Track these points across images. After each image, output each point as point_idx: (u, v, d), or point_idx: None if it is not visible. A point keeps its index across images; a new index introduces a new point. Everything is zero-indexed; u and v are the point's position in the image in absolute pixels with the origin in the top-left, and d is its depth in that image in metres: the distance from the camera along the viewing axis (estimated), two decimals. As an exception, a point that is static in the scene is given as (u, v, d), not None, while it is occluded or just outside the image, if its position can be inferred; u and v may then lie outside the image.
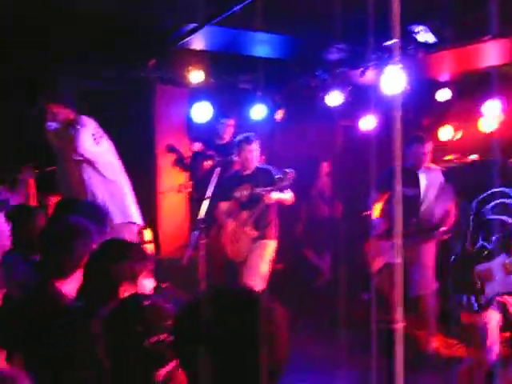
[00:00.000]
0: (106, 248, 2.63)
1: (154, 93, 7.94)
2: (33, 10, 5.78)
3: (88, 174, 5.17)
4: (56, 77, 7.68)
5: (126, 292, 2.39)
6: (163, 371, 1.95)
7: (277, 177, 6.12)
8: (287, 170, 6.09)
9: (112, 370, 1.92)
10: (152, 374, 1.93)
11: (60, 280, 2.82)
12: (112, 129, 7.12)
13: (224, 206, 6.47)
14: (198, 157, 7.87)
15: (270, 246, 6.31)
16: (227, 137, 7.78)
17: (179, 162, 8.03)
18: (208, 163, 7.54)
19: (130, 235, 5.03)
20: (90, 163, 5.17)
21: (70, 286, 2.82)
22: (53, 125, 5.27)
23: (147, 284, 2.51)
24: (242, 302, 1.62)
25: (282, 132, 8.73)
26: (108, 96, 8.00)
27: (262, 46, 6.91)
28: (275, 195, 6.15)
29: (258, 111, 8.03)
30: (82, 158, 5.15)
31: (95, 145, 5.13)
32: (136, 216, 5.32)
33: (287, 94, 8.38)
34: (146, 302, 2.02)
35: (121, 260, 2.48)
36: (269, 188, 6.11)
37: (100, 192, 5.18)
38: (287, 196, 6.25)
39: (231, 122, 7.88)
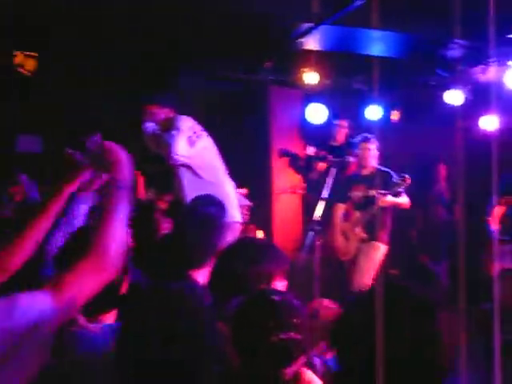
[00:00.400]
0: (242, 249, 2.57)
1: (269, 94, 7.94)
2: (148, 11, 5.93)
3: (187, 177, 5.12)
4: (169, 77, 7.90)
5: None
6: (291, 370, 1.89)
7: (394, 181, 6.00)
8: (404, 176, 5.98)
9: (240, 366, 1.89)
10: (280, 371, 1.87)
11: (194, 271, 2.82)
12: (227, 130, 7.25)
13: (340, 207, 6.43)
14: (312, 158, 7.81)
15: (380, 249, 6.21)
16: (341, 138, 7.69)
17: (293, 163, 8.01)
18: (322, 165, 7.47)
19: (233, 234, 4.97)
20: (187, 167, 5.15)
21: (201, 278, 2.82)
22: (149, 127, 5.25)
23: (280, 286, 2.43)
24: (420, 304, 1.70)
25: (398, 133, 8.50)
26: (223, 97, 8.11)
27: (378, 44, 6.75)
28: (390, 199, 6.03)
29: (372, 112, 7.88)
30: (177, 163, 5.13)
31: (190, 147, 5.04)
32: (238, 215, 5.20)
33: (403, 94, 8.16)
34: (277, 298, 1.97)
35: (259, 262, 2.42)
36: (383, 191, 6.00)
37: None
38: (403, 200, 6.12)
39: (345, 123, 7.76)
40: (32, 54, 7.42)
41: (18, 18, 6.35)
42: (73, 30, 6.64)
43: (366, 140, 6.38)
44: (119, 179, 1.94)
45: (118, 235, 1.85)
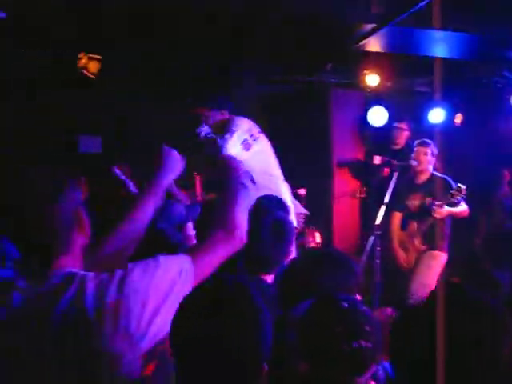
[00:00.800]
0: (316, 259, 2.53)
1: (330, 96, 7.87)
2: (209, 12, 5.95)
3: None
4: (231, 80, 7.94)
5: None
6: (363, 379, 1.85)
7: (451, 192, 5.84)
8: (460, 186, 5.81)
9: (309, 372, 1.84)
10: (352, 379, 1.83)
11: (265, 275, 2.82)
12: (287, 132, 7.22)
13: (397, 216, 6.36)
14: (378, 166, 7.65)
15: (440, 258, 6.08)
16: (401, 141, 7.55)
17: (354, 166, 7.93)
18: (387, 170, 7.35)
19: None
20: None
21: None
22: (203, 130, 5.18)
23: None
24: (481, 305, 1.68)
25: (462, 137, 8.32)
26: (284, 100, 8.09)
27: (441, 45, 6.62)
28: (446, 210, 5.87)
29: (435, 115, 7.68)
30: None
31: (245, 151, 4.92)
32: (294, 221, 5.06)
33: (467, 96, 7.97)
34: (346, 304, 1.91)
35: (335, 274, 2.39)
36: (439, 202, 5.84)
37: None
38: (460, 209, 5.95)
39: (405, 125, 7.61)
40: (96, 56, 7.55)
41: (83, 21, 6.49)
42: (134, 32, 6.73)
43: (423, 144, 6.24)
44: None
45: (242, 215, 2.28)
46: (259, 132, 5.04)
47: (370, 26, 6.15)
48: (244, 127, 4.97)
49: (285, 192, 5.05)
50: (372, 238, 6.07)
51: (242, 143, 4.91)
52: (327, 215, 7.69)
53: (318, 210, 6.25)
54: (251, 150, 4.93)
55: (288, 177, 5.21)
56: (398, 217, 6.37)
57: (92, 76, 7.65)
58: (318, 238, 6.30)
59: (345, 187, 7.95)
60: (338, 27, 6.30)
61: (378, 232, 6.10)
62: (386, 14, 5.78)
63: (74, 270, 1.95)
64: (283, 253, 2.82)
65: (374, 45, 6.72)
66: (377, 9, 5.88)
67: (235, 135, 4.91)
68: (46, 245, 1.94)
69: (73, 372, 1.84)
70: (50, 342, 1.85)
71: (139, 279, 1.91)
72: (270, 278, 2.82)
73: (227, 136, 4.90)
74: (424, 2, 5.16)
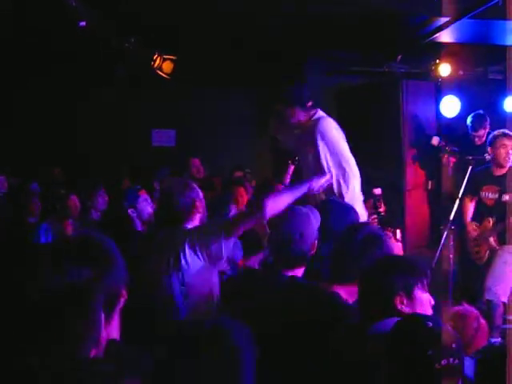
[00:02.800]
0: (377, 261, 2.63)
1: (401, 87, 7.82)
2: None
3: None
4: (301, 74, 8.03)
5: (402, 306, 2.37)
6: None
7: None
8: None
9: None
10: None
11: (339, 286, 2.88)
12: (359, 124, 7.23)
13: (468, 203, 6.17)
14: (443, 153, 7.49)
15: None
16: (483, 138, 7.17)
17: (425, 157, 7.81)
18: (447, 157, 7.18)
19: None
20: None
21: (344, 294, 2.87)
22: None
23: (424, 298, 2.46)
24: None
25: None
26: (355, 91, 8.11)
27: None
28: None
29: (510, 103, 7.52)
30: None
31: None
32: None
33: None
34: (431, 324, 2.00)
35: (392, 273, 2.45)
36: None
37: None
38: None
39: (487, 127, 7.03)
40: (170, 56, 7.75)
41: (158, 23, 6.70)
42: (206, 32, 6.91)
43: (502, 136, 5.95)
44: None
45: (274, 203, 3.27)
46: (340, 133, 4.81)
47: (443, 20, 6.14)
48: (330, 131, 4.68)
49: (359, 206, 4.71)
50: (445, 233, 5.97)
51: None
52: (401, 207, 7.61)
53: (393, 205, 6.18)
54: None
55: (361, 169, 5.03)
56: (470, 204, 6.16)
57: (166, 76, 7.86)
58: (398, 234, 6.19)
59: (415, 179, 7.83)
60: (411, 22, 6.31)
61: (452, 226, 6.01)
62: (459, 7, 5.76)
63: None
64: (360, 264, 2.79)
65: (446, 36, 6.70)
66: (451, 3, 5.85)
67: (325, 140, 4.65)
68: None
69: None
70: None
71: None
72: (343, 290, 2.85)
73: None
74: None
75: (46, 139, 8.68)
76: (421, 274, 2.49)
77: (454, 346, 1.96)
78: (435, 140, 7.44)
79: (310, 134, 4.57)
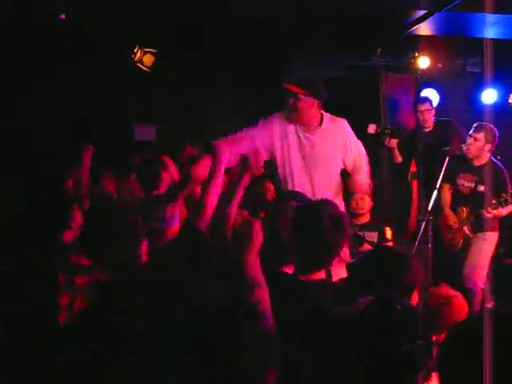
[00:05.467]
0: (379, 257, 2.64)
1: (381, 80, 7.88)
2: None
3: None
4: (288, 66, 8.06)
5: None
6: (421, 375, 1.97)
7: (503, 196, 5.74)
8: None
9: (368, 373, 1.96)
10: (412, 377, 1.94)
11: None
12: (339, 115, 7.25)
13: (446, 190, 6.23)
14: (384, 136, 7.23)
15: (491, 239, 6.04)
16: (430, 123, 7.11)
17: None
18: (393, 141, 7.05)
19: None
20: None
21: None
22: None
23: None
24: None
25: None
26: (335, 85, 8.14)
27: (493, 27, 6.62)
28: (497, 212, 5.81)
29: (488, 96, 7.60)
30: None
31: None
32: None
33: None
34: (398, 306, 2.01)
35: (396, 271, 2.48)
36: (494, 204, 5.74)
37: None
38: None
39: (429, 105, 7.14)
40: (150, 50, 7.74)
41: (139, 17, 6.70)
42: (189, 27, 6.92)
43: (475, 129, 6.02)
44: None
45: None
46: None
47: (421, 12, 6.21)
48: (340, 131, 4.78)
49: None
50: (423, 224, 6.03)
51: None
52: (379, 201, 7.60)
53: (374, 196, 6.18)
54: None
55: None
56: (447, 189, 6.22)
57: (147, 69, 7.84)
58: (388, 233, 6.05)
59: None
60: (389, 14, 6.36)
61: (430, 217, 6.07)
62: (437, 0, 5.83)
63: None
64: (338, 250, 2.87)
65: (425, 29, 6.77)
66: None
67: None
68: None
69: None
70: None
71: None
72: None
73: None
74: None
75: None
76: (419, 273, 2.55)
77: (421, 328, 1.98)
78: (371, 128, 7.14)
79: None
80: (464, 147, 6.08)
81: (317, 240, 2.77)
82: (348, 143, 4.78)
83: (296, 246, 2.85)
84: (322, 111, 4.73)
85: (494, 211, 5.81)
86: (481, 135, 5.99)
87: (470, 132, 6.08)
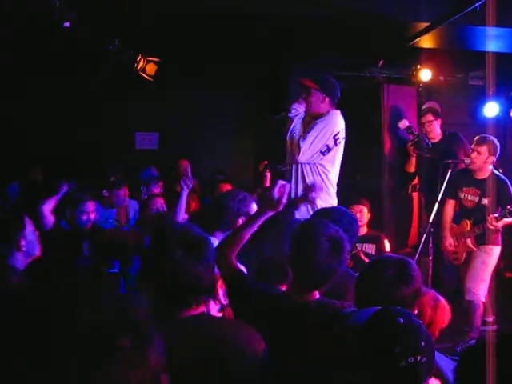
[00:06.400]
0: (380, 269, 2.63)
1: (382, 92, 7.88)
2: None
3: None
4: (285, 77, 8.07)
5: None
6: None
7: (508, 207, 5.67)
8: None
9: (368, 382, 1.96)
10: None
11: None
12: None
13: (450, 204, 6.21)
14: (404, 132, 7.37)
15: (494, 252, 5.99)
16: (435, 134, 7.11)
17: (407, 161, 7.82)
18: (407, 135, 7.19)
19: None
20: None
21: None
22: (294, 111, 5.03)
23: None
24: None
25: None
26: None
27: (495, 40, 6.63)
28: (501, 223, 5.76)
29: (490, 109, 7.56)
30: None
31: (321, 155, 4.87)
32: None
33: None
34: (402, 320, 1.99)
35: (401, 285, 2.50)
36: (497, 214, 5.72)
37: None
38: None
39: (431, 116, 7.11)
40: (153, 59, 7.76)
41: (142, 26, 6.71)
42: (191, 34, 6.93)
43: (478, 142, 5.97)
44: None
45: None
46: (343, 138, 4.95)
47: (423, 25, 6.22)
48: (336, 127, 4.88)
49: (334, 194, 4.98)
50: (425, 236, 6.01)
51: (322, 148, 4.84)
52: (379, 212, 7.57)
53: (372, 206, 6.14)
54: (329, 153, 4.88)
55: (341, 173, 5.11)
56: (451, 205, 6.20)
57: (149, 78, 7.86)
58: (387, 246, 5.97)
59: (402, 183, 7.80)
60: (392, 26, 6.37)
61: (432, 229, 6.05)
62: (440, 13, 5.84)
63: None
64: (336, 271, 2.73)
65: (427, 42, 6.77)
66: (430, 7, 5.94)
67: (324, 133, 4.83)
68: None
69: None
70: None
71: None
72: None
73: (310, 134, 4.84)
74: (481, 2, 5.22)
75: (27, 140, 8.63)
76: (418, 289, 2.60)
77: (423, 343, 1.94)
78: (403, 123, 7.27)
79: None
80: (467, 161, 6.06)
81: (311, 260, 2.66)
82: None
83: (291, 263, 2.76)
84: (333, 109, 4.96)
85: (498, 223, 5.79)
86: (483, 148, 5.96)
87: (472, 146, 6.05)
